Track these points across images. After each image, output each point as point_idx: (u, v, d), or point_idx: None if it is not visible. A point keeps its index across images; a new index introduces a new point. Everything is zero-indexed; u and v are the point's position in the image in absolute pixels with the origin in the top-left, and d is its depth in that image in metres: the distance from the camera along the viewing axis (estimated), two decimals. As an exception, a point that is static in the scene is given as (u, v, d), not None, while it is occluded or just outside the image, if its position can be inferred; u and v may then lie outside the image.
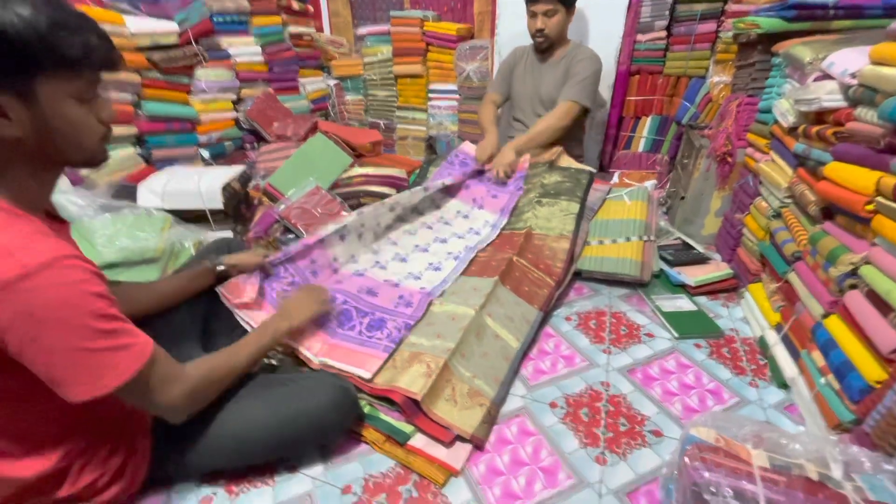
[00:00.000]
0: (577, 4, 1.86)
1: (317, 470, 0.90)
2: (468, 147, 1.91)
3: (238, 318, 1.11)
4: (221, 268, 1.09)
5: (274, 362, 1.14)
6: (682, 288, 1.44)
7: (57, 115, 0.58)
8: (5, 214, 0.58)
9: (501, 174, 1.70)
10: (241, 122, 2.27)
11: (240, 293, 1.14)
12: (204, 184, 1.56)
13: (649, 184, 1.65)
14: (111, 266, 1.29)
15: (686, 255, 1.54)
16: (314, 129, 2.17)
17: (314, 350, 1.07)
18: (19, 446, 0.68)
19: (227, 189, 1.60)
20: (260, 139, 2.31)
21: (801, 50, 1.18)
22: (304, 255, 1.34)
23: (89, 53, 0.58)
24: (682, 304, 1.37)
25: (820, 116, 1.09)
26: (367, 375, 1.01)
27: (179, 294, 1.00)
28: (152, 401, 0.68)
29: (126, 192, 1.58)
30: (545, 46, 1.82)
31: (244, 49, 2.24)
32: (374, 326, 1.15)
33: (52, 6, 0.55)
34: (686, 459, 0.72)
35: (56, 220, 0.71)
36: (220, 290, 1.11)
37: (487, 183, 1.74)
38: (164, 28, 1.84)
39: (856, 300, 0.86)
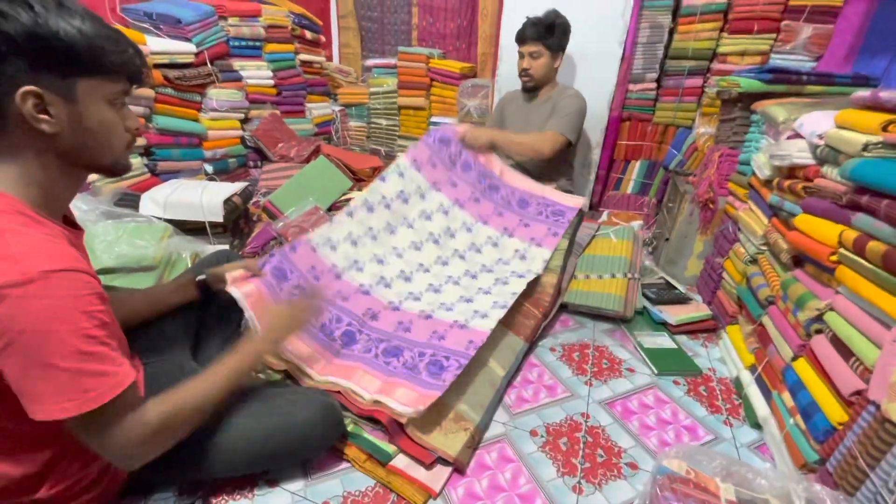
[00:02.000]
0: (576, 52, 1.99)
1: (297, 485, 0.90)
2: (451, 129, 1.77)
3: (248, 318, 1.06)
4: (202, 277, 1.07)
5: (262, 376, 1.15)
6: (664, 326, 1.49)
7: (91, 116, 0.63)
8: (26, 220, 0.60)
9: (468, 138, 1.65)
10: (247, 141, 2.34)
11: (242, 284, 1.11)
12: (206, 197, 1.60)
13: (636, 224, 1.73)
14: (108, 271, 1.31)
15: (668, 295, 1.59)
16: (317, 151, 2.25)
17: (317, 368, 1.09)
18: (12, 444, 0.68)
19: (228, 203, 1.64)
20: (264, 158, 2.37)
21: (776, 110, 1.28)
22: (301, 258, 1.30)
23: (126, 64, 0.65)
24: (663, 341, 1.41)
25: (791, 171, 1.17)
26: (409, 411, 0.97)
27: (161, 305, 0.99)
28: (99, 439, 0.63)
29: (129, 200, 1.62)
30: (531, 86, 1.94)
31: (256, 72, 2.34)
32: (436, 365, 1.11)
33: (99, 22, 0.63)
34: (657, 489, 0.74)
35: (73, 227, 0.73)
36: (230, 287, 1.07)
37: (521, 212, 1.69)
38: (182, 48, 1.93)
39: (821, 344, 0.92)
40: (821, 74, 1.48)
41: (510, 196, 1.72)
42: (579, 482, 0.95)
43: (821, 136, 1.04)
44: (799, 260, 1.11)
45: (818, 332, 0.95)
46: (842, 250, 0.89)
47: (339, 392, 1.04)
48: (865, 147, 0.86)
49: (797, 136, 1.16)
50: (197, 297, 1.06)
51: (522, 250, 1.55)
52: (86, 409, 0.59)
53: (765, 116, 1.37)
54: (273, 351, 0.94)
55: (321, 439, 0.91)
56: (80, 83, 0.61)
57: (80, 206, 1.42)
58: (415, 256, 1.52)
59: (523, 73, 1.91)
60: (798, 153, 1.12)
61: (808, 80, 1.47)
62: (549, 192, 1.74)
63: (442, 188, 1.67)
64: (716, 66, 1.99)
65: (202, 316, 1.11)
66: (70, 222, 0.73)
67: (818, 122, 1.07)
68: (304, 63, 2.62)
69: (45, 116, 0.60)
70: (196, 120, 2.07)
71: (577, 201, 1.68)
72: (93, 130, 0.64)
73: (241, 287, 1.08)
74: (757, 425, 1.11)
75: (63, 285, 0.57)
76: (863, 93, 0.95)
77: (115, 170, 0.70)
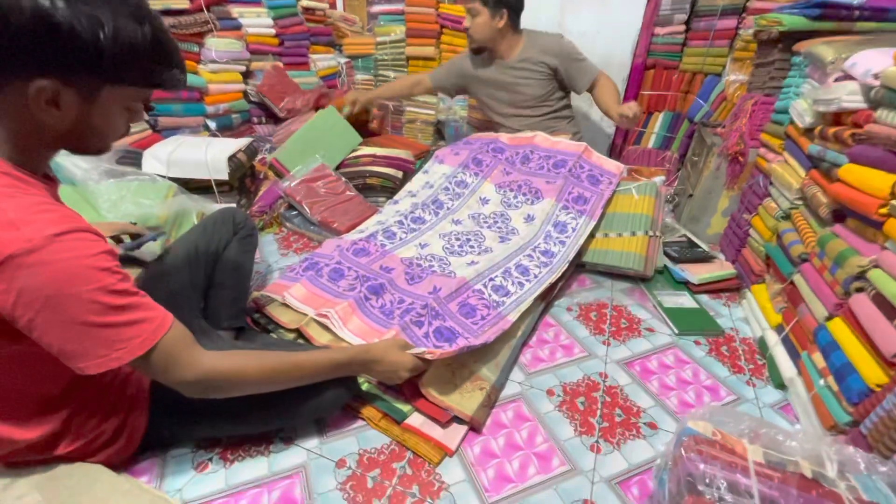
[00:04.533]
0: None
1: (312, 443, 0.90)
2: (487, 135, 1.84)
3: (295, 309, 1.15)
4: None
5: (274, 336, 1.14)
6: (685, 285, 1.44)
7: (102, 117, 0.60)
8: (11, 180, 0.57)
9: (635, 111, 1.61)
10: (251, 96, 2.24)
11: (279, 290, 1.18)
12: (210, 154, 1.55)
13: (659, 179, 1.64)
14: (114, 231, 1.28)
15: (690, 253, 1.53)
16: (323, 98, 2.15)
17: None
18: (25, 410, 0.68)
19: (233, 160, 1.59)
20: (269, 115, 2.28)
21: (823, 49, 1.16)
22: (360, 252, 1.35)
23: (166, 82, 0.62)
24: (684, 300, 1.37)
25: (838, 118, 1.07)
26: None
27: None
28: (163, 376, 0.66)
29: (131, 158, 1.57)
30: (474, 47, 1.82)
31: (256, 20, 2.20)
32: (442, 336, 1.06)
33: (161, 32, 0.59)
34: (682, 450, 0.72)
35: (51, 181, 0.69)
36: (264, 292, 1.19)
37: (572, 180, 1.56)
38: (176, -7, 1.81)
39: (862, 303, 0.86)
40: (875, 9, 1.34)
41: (544, 161, 1.64)
42: (597, 441, 0.93)
43: (876, 76, 0.93)
44: (840, 214, 1.04)
45: (859, 290, 0.89)
46: (894, 202, 0.82)
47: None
48: (933, 85, 0.77)
49: (847, 77, 1.05)
50: None
51: (553, 217, 1.48)
52: (137, 354, 0.60)
53: (809, 58, 1.25)
54: (359, 373, 0.92)
55: (334, 397, 0.90)
56: (107, 88, 0.58)
57: (80, 165, 1.37)
58: (447, 228, 1.51)
59: (465, 32, 1.78)
60: (848, 96, 1.01)
61: (861, 15, 1.32)
62: (587, 152, 1.64)
63: (468, 167, 1.71)
64: (753, 3, 1.82)
65: (211, 277, 1.09)
66: (48, 177, 0.69)
67: (874, 61, 0.96)
68: (307, 10, 2.46)
69: (53, 109, 0.56)
70: (195, 72, 1.97)
71: (618, 167, 1.60)
72: (96, 128, 0.61)
73: (295, 294, 1.17)
74: (781, 386, 1.08)
75: (73, 247, 0.55)
76: (933, 23, 0.84)
77: (97, 154, 0.68)
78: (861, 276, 0.88)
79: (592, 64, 1.78)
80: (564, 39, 1.79)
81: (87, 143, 0.64)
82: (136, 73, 0.58)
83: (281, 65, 2.33)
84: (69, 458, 0.75)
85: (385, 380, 0.92)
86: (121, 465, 0.80)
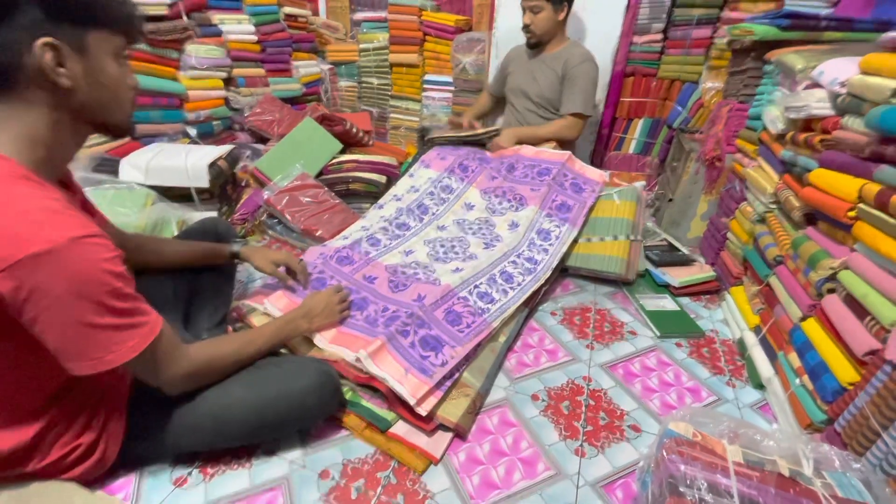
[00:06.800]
0: (578, 1, 1.86)
1: (295, 454, 0.89)
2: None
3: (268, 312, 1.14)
4: (236, 249, 1.10)
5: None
6: (666, 288, 1.46)
7: (103, 70, 0.64)
8: (31, 184, 0.59)
9: (495, 146, 1.80)
10: (232, 103, 2.21)
11: (260, 299, 1.17)
12: (190, 161, 1.52)
13: (639, 184, 1.67)
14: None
15: (671, 257, 1.56)
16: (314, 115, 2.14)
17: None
18: (6, 416, 0.67)
19: (213, 167, 1.57)
20: (262, 139, 2.24)
21: (793, 58, 1.20)
22: (344, 261, 1.35)
23: (131, 19, 0.66)
24: (665, 303, 1.39)
25: (808, 124, 1.11)
26: (413, 401, 0.90)
27: (190, 258, 1.04)
28: (153, 376, 0.71)
29: (107, 165, 1.53)
30: (533, 42, 1.86)
31: (237, 27, 2.19)
32: (428, 345, 1.05)
33: None
34: (663, 452, 0.72)
35: (68, 190, 0.72)
36: (244, 301, 1.18)
37: (556, 188, 1.59)
38: (154, -1, 1.79)
39: (833, 304, 0.89)
40: (841, 19, 1.39)
41: (528, 170, 1.67)
42: (582, 445, 0.94)
43: (843, 84, 0.97)
44: (811, 217, 1.07)
45: (830, 291, 0.92)
46: (861, 205, 0.85)
47: (335, 361, 1.01)
48: (895, 93, 0.80)
49: (815, 85, 1.09)
50: (227, 263, 1.12)
51: (537, 225, 1.50)
52: (129, 357, 0.64)
53: (780, 66, 1.29)
54: (307, 330, 1.03)
55: (319, 408, 0.89)
56: (91, 35, 0.62)
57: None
58: (431, 234, 1.52)
59: (525, 29, 1.83)
60: (816, 104, 1.05)
61: (828, 25, 1.37)
62: (570, 161, 1.68)
63: (454, 172, 1.72)
64: (727, 13, 1.87)
65: (193, 286, 1.07)
66: (65, 184, 0.71)
67: (840, 69, 1.00)
68: (289, 17, 2.45)
69: (62, 69, 0.60)
70: (174, 79, 1.95)
71: (601, 175, 1.65)
72: (105, 85, 0.64)
73: (275, 303, 1.15)
74: (760, 386, 1.10)
75: (91, 250, 0.58)
76: (893, 34, 0.87)
77: (123, 128, 0.71)
78: (832, 277, 0.91)
79: (582, 102, 1.79)
80: (588, 63, 1.79)
81: (108, 108, 0.66)
82: (105, 10, 0.63)
83: (271, 94, 2.30)
84: (41, 476, 0.72)
85: (324, 320, 1.05)
86: (95, 481, 0.78)
